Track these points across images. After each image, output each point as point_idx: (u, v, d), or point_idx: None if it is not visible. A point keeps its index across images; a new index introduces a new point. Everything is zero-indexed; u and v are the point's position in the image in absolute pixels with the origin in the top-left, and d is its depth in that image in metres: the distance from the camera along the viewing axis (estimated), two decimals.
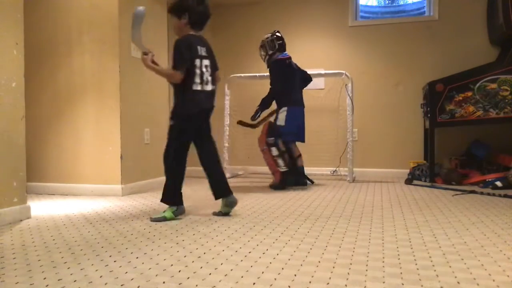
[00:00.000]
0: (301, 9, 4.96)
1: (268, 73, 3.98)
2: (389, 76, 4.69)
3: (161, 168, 4.29)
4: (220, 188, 2.51)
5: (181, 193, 2.49)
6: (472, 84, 3.86)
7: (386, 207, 2.74)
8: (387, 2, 5.16)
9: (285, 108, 3.75)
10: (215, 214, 2.53)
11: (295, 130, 3.77)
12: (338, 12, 4.83)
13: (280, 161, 3.65)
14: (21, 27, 2.53)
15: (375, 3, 5.13)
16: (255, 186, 3.89)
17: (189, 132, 2.50)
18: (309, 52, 4.92)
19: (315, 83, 4.89)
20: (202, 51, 2.47)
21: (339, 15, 4.83)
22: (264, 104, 3.93)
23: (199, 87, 2.44)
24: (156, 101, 4.01)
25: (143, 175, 3.71)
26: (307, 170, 4.07)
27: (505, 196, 3.09)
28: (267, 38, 3.91)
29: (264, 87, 4.90)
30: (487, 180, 3.64)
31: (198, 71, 2.43)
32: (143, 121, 3.75)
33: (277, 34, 3.92)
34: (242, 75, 4.63)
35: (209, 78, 2.48)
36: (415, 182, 4.00)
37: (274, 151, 3.65)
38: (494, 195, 3.18)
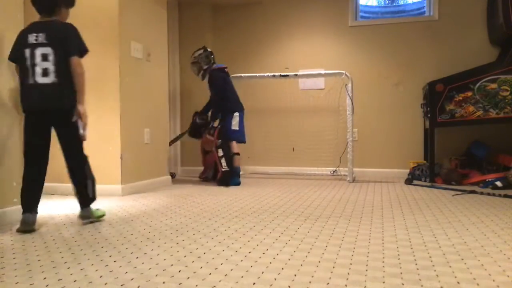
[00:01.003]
0: (301, 9, 4.96)
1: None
2: (389, 76, 4.69)
3: (160, 168, 4.27)
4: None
5: (31, 200, 2.20)
6: (472, 84, 3.86)
7: (386, 207, 2.74)
8: (387, 2, 5.16)
9: (237, 114, 4.10)
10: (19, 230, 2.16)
11: (244, 132, 4.21)
12: (338, 12, 4.83)
13: (223, 162, 4.01)
14: (21, 27, 2.52)
15: (375, 3, 5.12)
16: (255, 186, 3.89)
17: (29, 129, 2.25)
18: (309, 52, 4.92)
19: (315, 83, 4.91)
20: (38, 38, 2.17)
21: (339, 15, 4.83)
22: (216, 114, 4.18)
23: (30, 81, 2.18)
24: (156, 101, 4.02)
25: (143, 175, 3.71)
26: (308, 170, 4.07)
27: (505, 196, 3.09)
28: (200, 54, 4.18)
29: (265, 87, 4.94)
30: (487, 180, 3.64)
31: (28, 62, 2.17)
32: (143, 121, 3.74)
33: (208, 49, 4.22)
34: (242, 75, 4.63)
35: (52, 68, 2.17)
36: (415, 182, 4.00)
37: (220, 152, 4.03)
38: (494, 195, 3.18)
